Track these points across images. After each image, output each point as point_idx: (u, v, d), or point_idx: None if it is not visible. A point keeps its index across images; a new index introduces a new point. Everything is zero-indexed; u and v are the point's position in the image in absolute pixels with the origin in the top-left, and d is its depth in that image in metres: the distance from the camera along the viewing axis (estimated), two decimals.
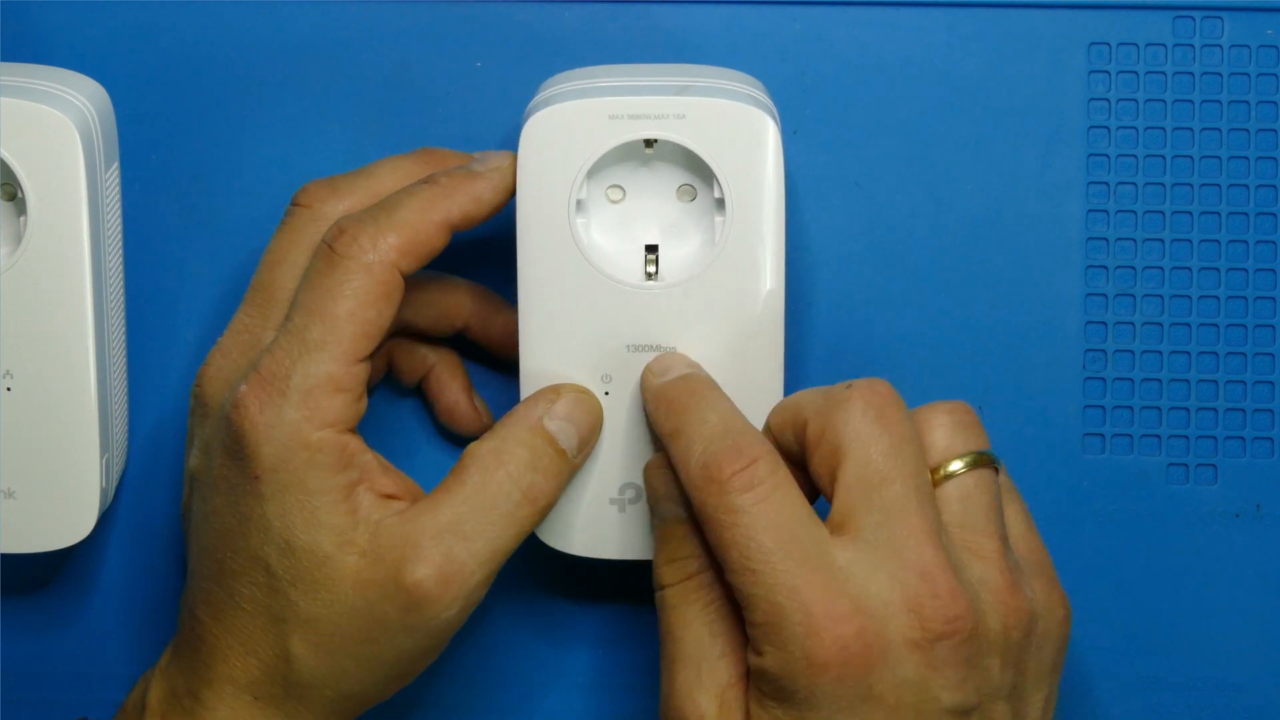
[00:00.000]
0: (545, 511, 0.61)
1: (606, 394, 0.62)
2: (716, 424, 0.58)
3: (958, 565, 0.57)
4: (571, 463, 0.61)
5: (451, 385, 0.68)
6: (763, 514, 0.56)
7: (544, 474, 0.60)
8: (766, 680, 0.56)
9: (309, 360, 0.59)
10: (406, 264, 0.60)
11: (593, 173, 0.61)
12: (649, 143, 0.61)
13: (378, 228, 0.60)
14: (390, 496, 0.60)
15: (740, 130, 0.60)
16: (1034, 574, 0.59)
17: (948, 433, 0.59)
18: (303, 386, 0.59)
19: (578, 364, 0.62)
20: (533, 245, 0.61)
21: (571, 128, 0.60)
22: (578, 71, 0.64)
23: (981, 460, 0.59)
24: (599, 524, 0.63)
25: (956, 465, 0.59)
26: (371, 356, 0.60)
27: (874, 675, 0.55)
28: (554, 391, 0.61)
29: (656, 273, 0.62)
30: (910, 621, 0.56)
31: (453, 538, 0.59)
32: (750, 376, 0.61)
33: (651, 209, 0.62)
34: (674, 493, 0.59)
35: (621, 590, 0.69)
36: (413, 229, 0.60)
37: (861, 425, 0.57)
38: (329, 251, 0.60)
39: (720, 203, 0.61)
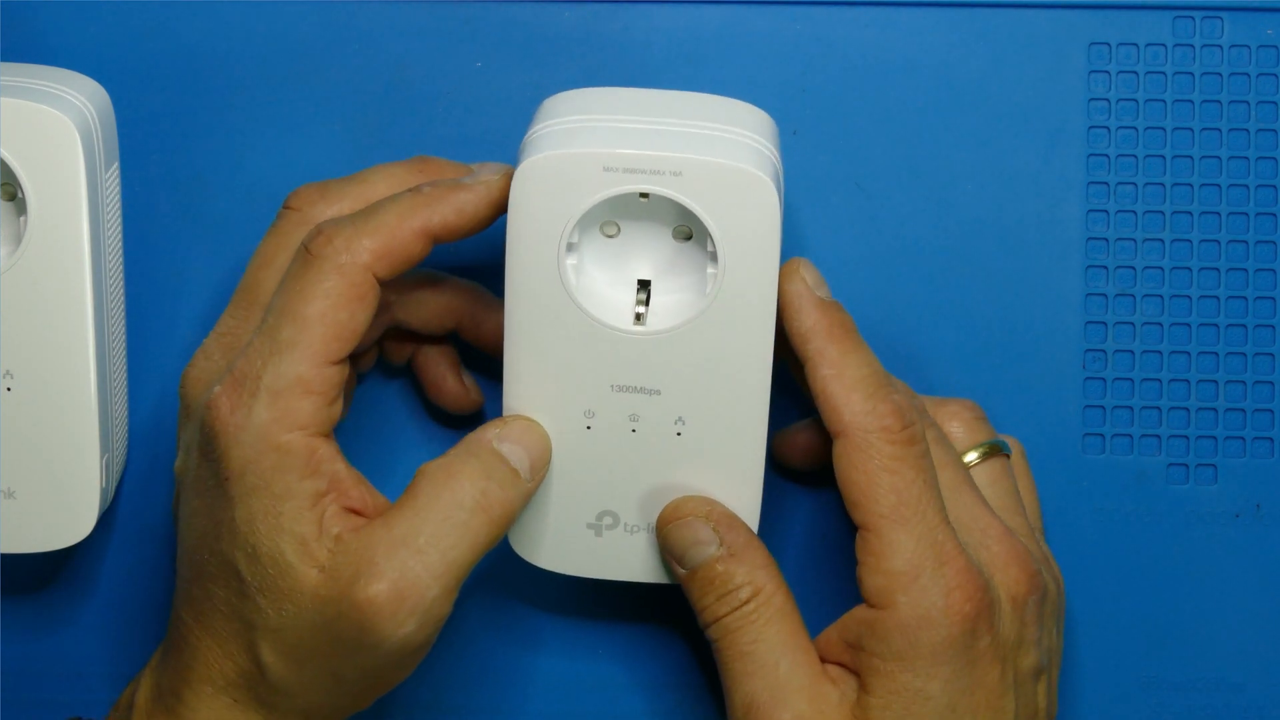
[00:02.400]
0: (501, 525, 0.60)
1: (588, 427, 0.62)
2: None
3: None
4: (525, 485, 0.60)
5: (440, 362, 0.67)
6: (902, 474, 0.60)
7: (498, 484, 0.59)
8: (889, 637, 0.59)
9: (279, 360, 0.59)
10: (382, 268, 0.60)
11: (587, 216, 0.60)
12: (644, 193, 0.60)
13: (355, 230, 0.60)
14: (355, 511, 0.60)
15: (737, 191, 0.59)
16: (1044, 546, 0.64)
17: (964, 425, 0.64)
18: (273, 387, 0.59)
19: (560, 398, 0.61)
20: (521, 287, 0.60)
21: (564, 176, 0.59)
22: (577, 97, 0.62)
23: (994, 449, 0.64)
24: (575, 545, 0.63)
25: (972, 456, 0.64)
26: (346, 360, 0.60)
27: (986, 629, 0.59)
28: (501, 421, 0.61)
29: (645, 314, 0.61)
30: (1003, 579, 0.60)
31: (406, 552, 0.58)
32: (732, 427, 0.61)
33: (647, 246, 0.62)
34: (705, 535, 0.61)
35: (594, 605, 0.69)
36: (390, 233, 0.60)
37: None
38: (305, 252, 0.60)
39: (714, 255, 0.60)
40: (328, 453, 0.59)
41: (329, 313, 0.59)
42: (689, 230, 0.61)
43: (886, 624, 0.59)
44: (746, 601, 0.60)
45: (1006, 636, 0.60)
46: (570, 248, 0.60)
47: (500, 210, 0.61)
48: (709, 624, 0.61)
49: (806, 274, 0.61)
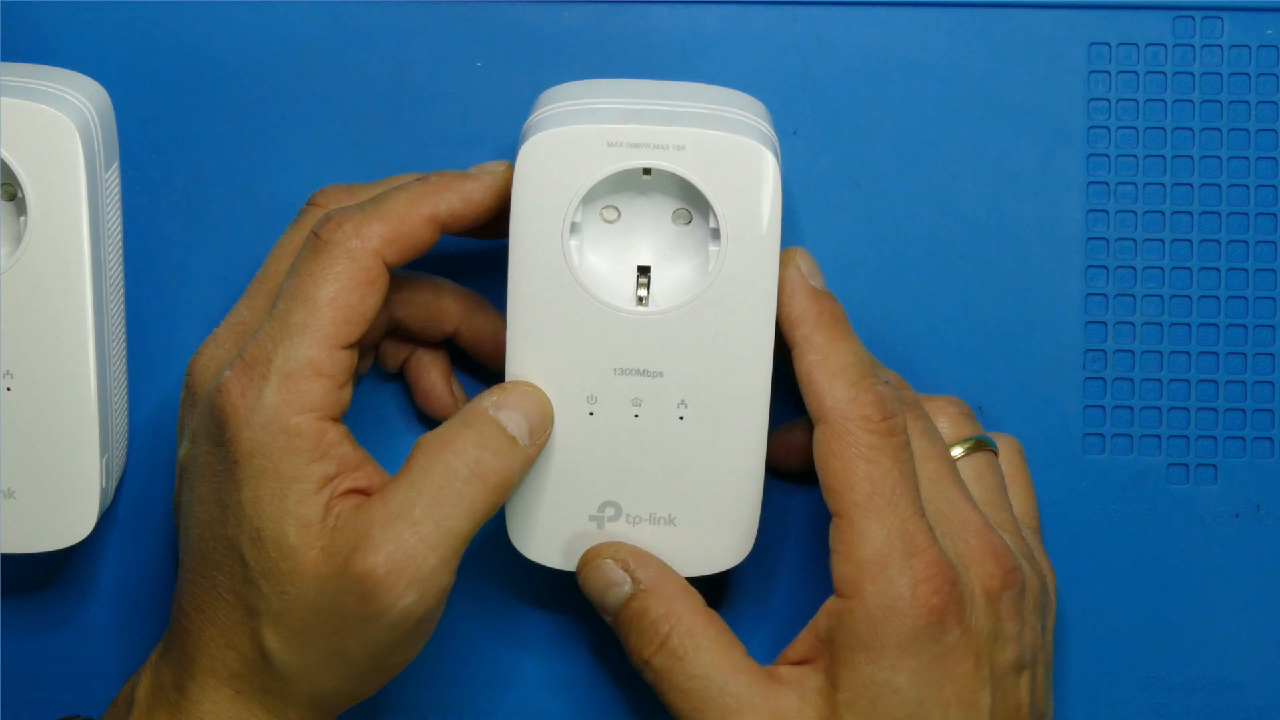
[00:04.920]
0: (498, 493, 0.60)
1: (591, 414, 0.62)
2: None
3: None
4: (524, 451, 0.60)
5: (431, 369, 0.68)
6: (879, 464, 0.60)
7: (492, 452, 0.59)
8: (856, 628, 0.58)
9: (290, 343, 0.59)
10: (391, 253, 0.60)
11: (589, 196, 0.61)
12: (646, 170, 0.61)
13: (364, 216, 0.60)
14: (363, 491, 0.60)
15: (740, 164, 0.59)
16: (1035, 543, 0.64)
17: (950, 420, 0.64)
18: (284, 370, 0.59)
19: (563, 383, 0.61)
20: (525, 265, 0.60)
21: (569, 152, 0.60)
22: (575, 86, 0.63)
23: (979, 445, 0.64)
24: (577, 539, 0.63)
25: (956, 451, 0.63)
26: (355, 345, 0.60)
27: (955, 622, 0.59)
28: (500, 388, 0.61)
29: (647, 297, 0.61)
30: (978, 572, 0.60)
31: (402, 524, 0.58)
32: (735, 407, 0.61)
33: (646, 231, 0.62)
34: (616, 575, 0.62)
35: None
36: (399, 219, 0.60)
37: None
38: (314, 238, 0.60)
39: (715, 232, 0.60)
40: (337, 436, 0.60)
41: (340, 296, 0.59)
42: (689, 214, 0.62)
43: (854, 614, 0.59)
44: (668, 636, 0.60)
45: (979, 630, 0.59)
46: (574, 228, 0.60)
47: (504, 201, 0.62)
48: (641, 666, 0.61)
49: (802, 261, 0.61)
